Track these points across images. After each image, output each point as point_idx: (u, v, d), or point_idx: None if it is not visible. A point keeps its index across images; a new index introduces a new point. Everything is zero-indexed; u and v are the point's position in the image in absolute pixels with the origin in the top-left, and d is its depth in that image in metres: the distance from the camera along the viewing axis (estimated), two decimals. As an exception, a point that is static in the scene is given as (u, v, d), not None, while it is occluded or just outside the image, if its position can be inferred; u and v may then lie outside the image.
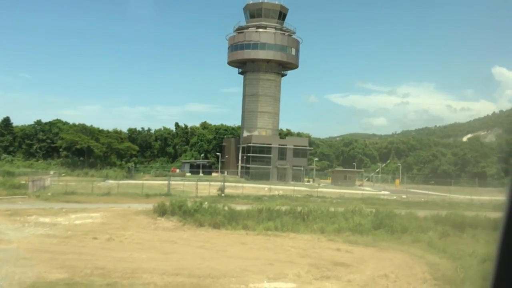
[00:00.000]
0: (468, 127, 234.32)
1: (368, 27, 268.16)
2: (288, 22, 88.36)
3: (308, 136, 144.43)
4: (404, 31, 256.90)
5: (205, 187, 47.20)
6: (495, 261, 1.69)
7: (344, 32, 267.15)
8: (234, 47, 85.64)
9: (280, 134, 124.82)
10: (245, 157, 76.72)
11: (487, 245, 25.51)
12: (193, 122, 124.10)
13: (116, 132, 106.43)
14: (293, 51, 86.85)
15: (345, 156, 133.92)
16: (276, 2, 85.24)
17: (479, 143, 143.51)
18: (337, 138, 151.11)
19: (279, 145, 74.21)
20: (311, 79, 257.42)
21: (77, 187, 46.26)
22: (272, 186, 51.76)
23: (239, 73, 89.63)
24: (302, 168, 73.36)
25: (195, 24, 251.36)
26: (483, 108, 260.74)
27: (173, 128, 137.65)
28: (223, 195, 43.18)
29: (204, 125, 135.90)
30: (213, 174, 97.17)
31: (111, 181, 65.12)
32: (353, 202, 43.02)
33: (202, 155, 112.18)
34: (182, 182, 48.48)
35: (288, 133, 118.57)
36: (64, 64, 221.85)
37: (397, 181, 78.10)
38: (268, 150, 72.90)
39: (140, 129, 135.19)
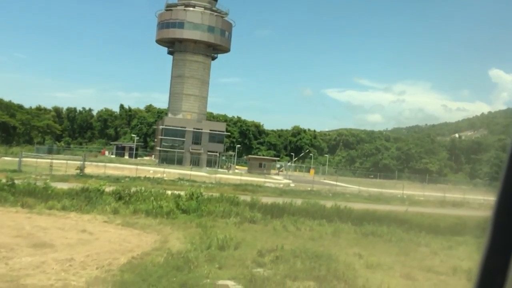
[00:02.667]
0: (456, 127, 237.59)
1: (367, 23, 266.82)
2: (221, 4, 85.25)
3: (259, 125, 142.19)
4: (402, 29, 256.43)
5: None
6: (480, 267, 1.62)
7: (343, 27, 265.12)
8: (161, 25, 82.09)
9: (224, 120, 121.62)
10: (155, 140, 73.67)
11: (273, 231, 23.11)
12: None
13: (39, 109, 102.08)
14: (226, 34, 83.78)
15: (292, 147, 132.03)
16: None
17: (429, 139, 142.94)
18: (330, 132, 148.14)
19: (194, 129, 71.13)
20: (308, 73, 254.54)
21: None
22: (156, 169, 48.91)
23: (168, 53, 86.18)
24: (217, 154, 70.53)
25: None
26: (479, 109, 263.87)
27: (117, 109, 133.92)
28: (81, 174, 40.11)
29: (149, 108, 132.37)
30: (146, 158, 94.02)
31: (6, 158, 61.80)
32: (223, 187, 40.66)
33: (138, 138, 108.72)
34: (35, 159, 45.19)
35: (230, 120, 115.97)
36: (60, 46, 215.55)
37: (312, 171, 76.22)
38: (182, 133, 69.84)
39: (81, 109, 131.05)
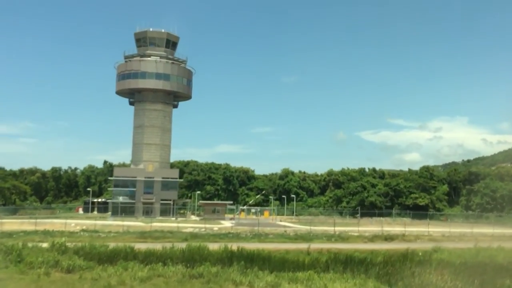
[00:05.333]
0: (492, 160, 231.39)
1: (396, 61, 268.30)
2: (180, 52, 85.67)
3: (248, 170, 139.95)
4: (432, 66, 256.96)
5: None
6: None
7: (372, 67, 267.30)
8: (120, 76, 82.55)
9: (211, 167, 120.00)
10: (105, 191, 71.93)
11: (77, 280, 20.57)
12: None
13: (22, 171, 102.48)
14: (184, 81, 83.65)
15: (280, 190, 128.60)
16: (163, 30, 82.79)
17: (427, 174, 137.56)
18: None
19: (145, 178, 69.37)
20: (341, 117, 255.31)
21: None
22: (84, 222, 46.88)
23: (130, 103, 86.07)
24: (171, 202, 68.21)
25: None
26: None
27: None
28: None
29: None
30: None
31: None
32: (125, 236, 38.43)
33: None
34: None
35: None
36: (98, 112, 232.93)
37: (266, 213, 73.10)
38: (133, 183, 68.08)
39: (66, 168, 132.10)
